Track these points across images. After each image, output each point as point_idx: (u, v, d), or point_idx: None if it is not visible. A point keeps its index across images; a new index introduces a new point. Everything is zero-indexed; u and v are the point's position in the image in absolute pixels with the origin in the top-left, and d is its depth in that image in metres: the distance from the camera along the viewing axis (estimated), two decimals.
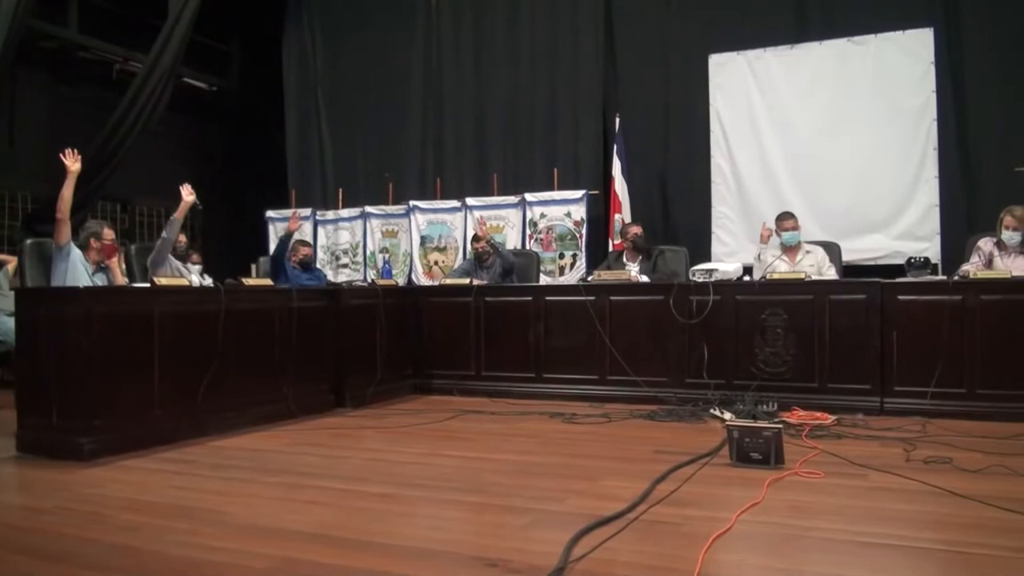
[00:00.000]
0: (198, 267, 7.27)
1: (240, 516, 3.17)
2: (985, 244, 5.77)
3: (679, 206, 8.59)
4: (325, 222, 10.11)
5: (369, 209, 9.82)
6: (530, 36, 9.32)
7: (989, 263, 5.68)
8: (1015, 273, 5.43)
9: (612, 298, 6.13)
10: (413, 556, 2.72)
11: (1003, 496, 3.25)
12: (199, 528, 3.01)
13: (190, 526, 3.03)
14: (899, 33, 7.53)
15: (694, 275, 5.98)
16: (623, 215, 8.17)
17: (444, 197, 9.48)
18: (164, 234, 6.13)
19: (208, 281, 6.33)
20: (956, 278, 5.52)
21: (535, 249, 8.52)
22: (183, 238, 6.70)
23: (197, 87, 10.75)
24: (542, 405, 5.88)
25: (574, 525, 2.86)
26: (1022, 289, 5.22)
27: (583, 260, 8.58)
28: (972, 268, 5.65)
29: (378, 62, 10.18)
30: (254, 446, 4.65)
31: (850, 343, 5.44)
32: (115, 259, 5.72)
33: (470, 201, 9.19)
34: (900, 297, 5.41)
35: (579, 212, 8.62)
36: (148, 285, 5.03)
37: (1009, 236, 5.63)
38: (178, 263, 6.49)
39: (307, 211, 10.02)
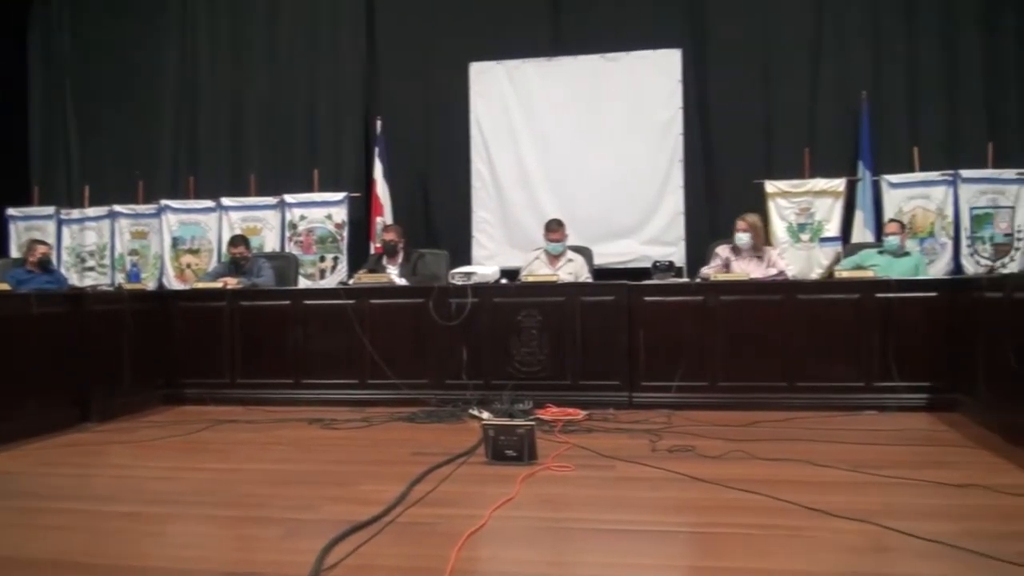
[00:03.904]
0: None
1: None
2: (723, 250, 6.22)
3: (440, 210, 8.64)
4: (70, 221, 9.27)
5: (117, 208, 9.11)
6: (290, 32, 9.06)
7: (726, 266, 6.13)
8: (751, 275, 5.88)
9: (373, 301, 6.04)
10: None
11: (741, 479, 3.48)
12: None
13: None
14: (650, 52, 7.97)
15: (453, 278, 6.01)
16: (385, 218, 8.11)
17: (198, 196, 8.99)
18: None
19: None
20: (698, 280, 5.94)
21: (294, 252, 8.26)
22: None
23: None
24: (301, 411, 5.70)
25: (329, 532, 2.81)
26: (756, 290, 5.65)
27: (344, 263, 8.41)
28: (711, 271, 6.08)
29: (131, 50, 9.49)
30: None
31: (601, 342, 5.66)
32: None
33: (226, 201, 8.77)
34: (646, 298, 5.68)
35: (340, 214, 8.46)
36: None
37: (739, 237, 6.09)
38: None
39: (50, 210, 9.23)
